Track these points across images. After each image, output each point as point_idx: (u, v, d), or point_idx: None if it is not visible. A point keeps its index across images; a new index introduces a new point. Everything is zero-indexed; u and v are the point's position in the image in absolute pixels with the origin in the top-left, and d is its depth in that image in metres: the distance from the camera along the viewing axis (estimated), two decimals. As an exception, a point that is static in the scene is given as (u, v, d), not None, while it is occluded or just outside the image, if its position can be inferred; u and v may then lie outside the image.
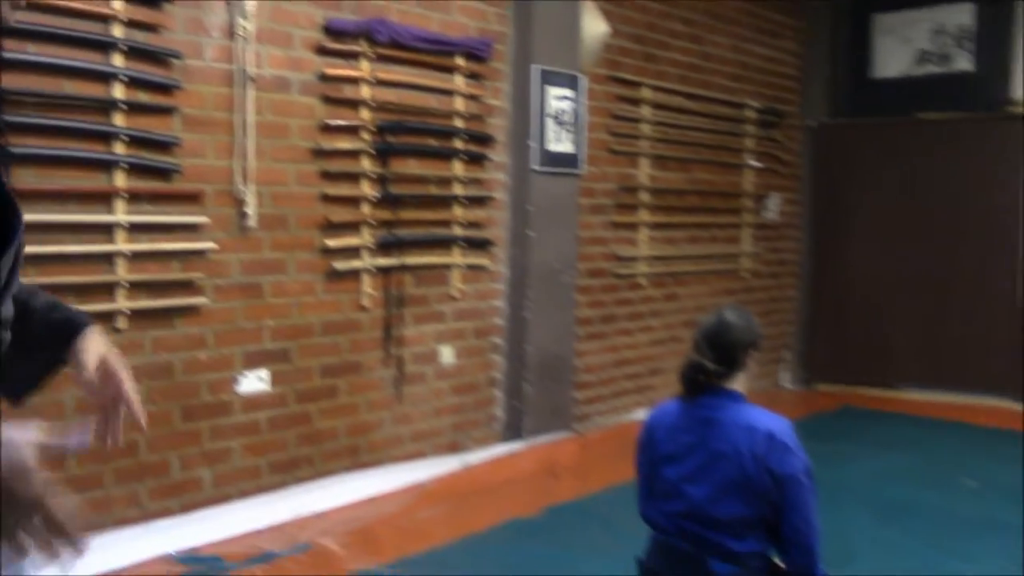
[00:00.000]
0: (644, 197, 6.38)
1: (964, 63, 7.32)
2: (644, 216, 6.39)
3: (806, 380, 7.94)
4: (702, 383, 2.93)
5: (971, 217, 7.25)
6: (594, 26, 5.64)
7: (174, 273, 4.01)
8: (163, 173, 3.96)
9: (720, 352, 2.91)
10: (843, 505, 4.41)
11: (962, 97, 7.26)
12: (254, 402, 4.30)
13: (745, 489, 2.83)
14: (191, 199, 4.05)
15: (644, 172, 6.37)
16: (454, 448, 5.22)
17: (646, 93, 6.33)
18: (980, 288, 7.24)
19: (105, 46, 3.75)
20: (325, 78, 4.52)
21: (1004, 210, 7.14)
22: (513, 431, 5.45)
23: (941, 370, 7.36)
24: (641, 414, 5.99)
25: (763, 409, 2.97)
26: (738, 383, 2.96)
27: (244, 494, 4.27)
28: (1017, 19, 7.08)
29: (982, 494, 4.88)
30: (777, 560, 2.96)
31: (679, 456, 2.94)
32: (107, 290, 3.81)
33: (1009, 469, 5.36)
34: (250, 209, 4.21)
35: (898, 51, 7.59)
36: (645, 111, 6.34)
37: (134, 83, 3.85)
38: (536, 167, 5.39)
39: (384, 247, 4.79)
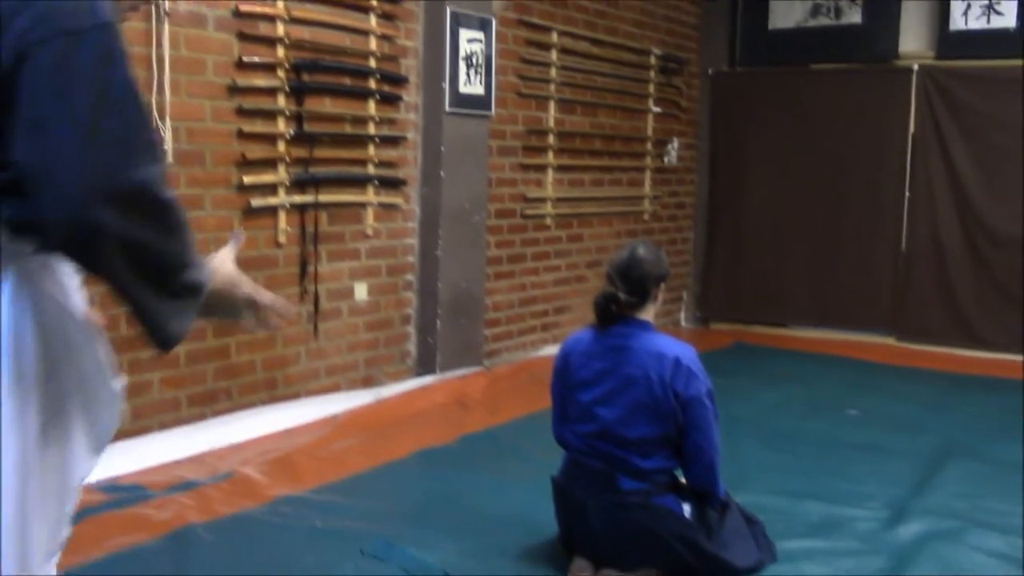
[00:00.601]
0: (551, 140, 6.54)
1: (855, 16, 7.63)
2: (551, 159, 6.55)
3: (701, 319, 8.29)
4: (614, 313, 3.14)
5: (861, 165, 7.61)
6: (505, -30, 5.74)
7: (91, 207, 4.01)
8: (79, 106, 3.94)
9: (632, 284, 3.11)
10: (738, 434, 4.69)
11: (853, 49, 7.58)
12: (172, 336, 4.35)
13: (653, 411, 3.05)
14: (107, 133, 4.04)
15: (551, 115, 6.53)
16: (368, 382, 5.36)
17: (554, 38, 6.46)
18: (867, 233, 7.63)
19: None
20: (240, 14, 4.52)
21: (891, 158, 7.51)
22: (425, 366, 5.60)
23: (828, 309, 7.77)
24: (547, 350, 6.23)
25: (670, 337, 3.20)
26: (648, 313, 3.17)
27: (163, 426, 4.34)
28: (905, -25, 7.42)
29: (863, 422, 5.23)
30: (680, 477, 3.21)
31: (592, 381, 3.14)
32: (24, 223, 3.80)
33: (887, 399, 5.76)
34: (167, 144, 4.23)
35: (794, 3, 7.86)
36: (553, 55, 6.48)
37: (49, 14, 3.81)
38: (448, 108, 5.49)
39: (299, 184, 4.85)
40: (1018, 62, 6.96)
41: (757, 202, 8.01)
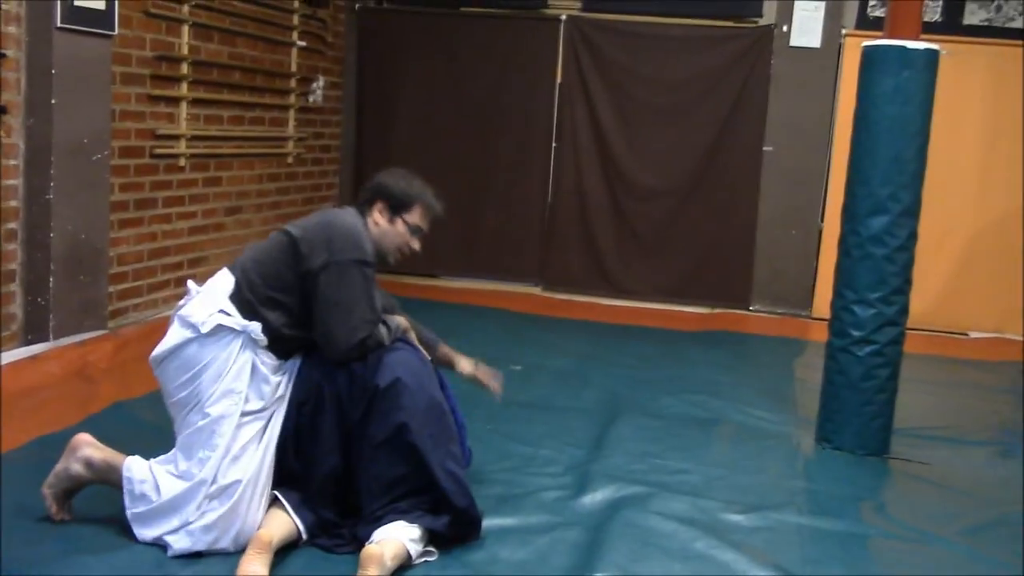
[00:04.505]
0: (185, 69, 5.76)
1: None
2: (185, 91, 5.78)
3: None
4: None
5: (510, 113, 7.53)
6: None
7: None
8: None
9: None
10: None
11: (503, -6, 7.45)
12: None
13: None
14: None
15: (185, 41, 5.74)
16: (-40, 354, 4.41)
17: (187, -48, 5.67)
18: (515, 181, 7.61)
19: None
20: None
21: (540, 108, 7.51)
22: (36, 332, 4.72)
23: (477, 259, 7.67)
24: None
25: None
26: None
27: None
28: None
29: (527, 377, 5.09)
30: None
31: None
32: None
33: (544, 353, 5.67)
34: None
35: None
36: (186, -28, 5.69)
37: None
38: (59, 23, 4.60)
39: None
40: (658, 19, 7.16)
41: (406, 147, 7.69)
